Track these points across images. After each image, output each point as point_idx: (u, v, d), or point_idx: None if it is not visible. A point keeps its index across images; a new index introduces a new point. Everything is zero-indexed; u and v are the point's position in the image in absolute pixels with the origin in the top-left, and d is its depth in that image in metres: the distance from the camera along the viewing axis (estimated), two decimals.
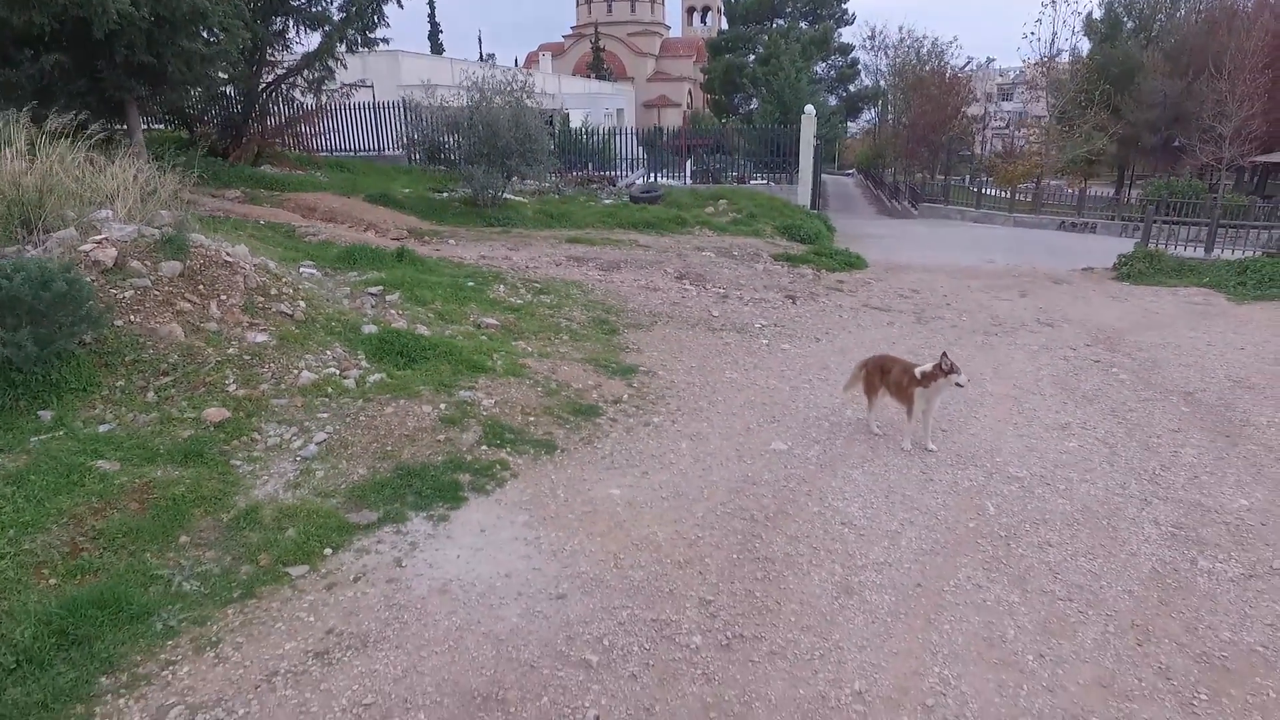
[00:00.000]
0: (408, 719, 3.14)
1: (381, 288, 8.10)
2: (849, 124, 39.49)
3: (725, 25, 39.76)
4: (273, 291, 6.59)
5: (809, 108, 18.56)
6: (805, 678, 3.43)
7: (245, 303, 6.29)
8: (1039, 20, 52.74)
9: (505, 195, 15.49)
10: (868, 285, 12.60)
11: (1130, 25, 32.18)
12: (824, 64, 36.05)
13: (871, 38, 34.58)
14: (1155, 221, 15.24)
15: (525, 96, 14.65)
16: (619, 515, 4.76)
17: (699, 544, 4.48)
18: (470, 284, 9.09)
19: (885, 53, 36.57)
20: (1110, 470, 5.64)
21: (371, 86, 20.13)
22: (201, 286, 6.12)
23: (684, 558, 4.33)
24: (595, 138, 21.84)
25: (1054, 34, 38.73)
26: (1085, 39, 32.07)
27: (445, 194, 15.57)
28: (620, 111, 39.17)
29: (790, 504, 4.99)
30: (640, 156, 22.22)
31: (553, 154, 16.90)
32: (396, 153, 20.40)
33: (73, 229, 6.05)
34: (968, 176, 26.16)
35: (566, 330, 8.07)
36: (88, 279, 5.37)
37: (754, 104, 31.21)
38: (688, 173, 21.08)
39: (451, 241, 12.35)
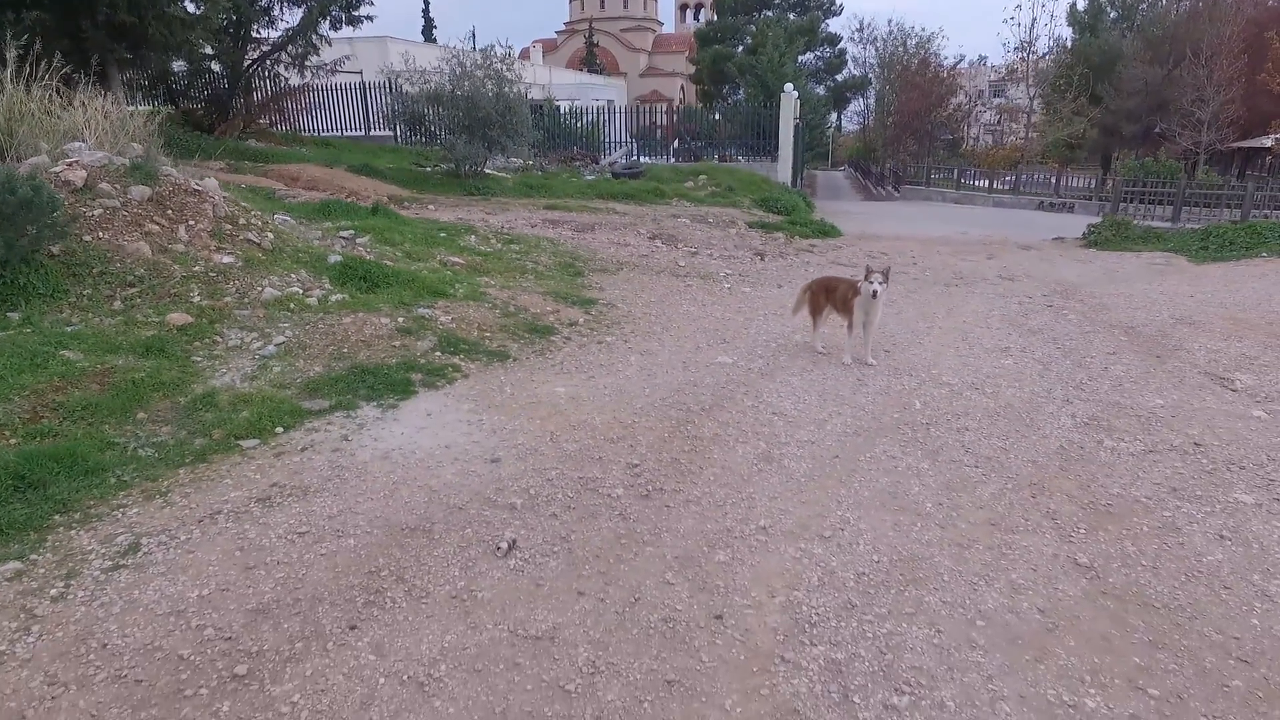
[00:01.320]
0: (338, 543, 3.37)
1: (353, 232, 8.35)
2: (837, 115, 39.83)
3: (716, 19, 40.05)
4: (241, 221, 6.82)
5: (788, 86, 18.84)
6: (714, 517, 3.68)
7: (214, 229, 6.53)
8: (1019, 6, 53.06)
9: (486, 170, 15.74)
10: (838, 249, 12.87)
11: (1113, 15, 32.50)
12: (812, 54, 36.28)
13: (860, 30, 34.95)
14: (1124, 192, 15.51)
15: (506, 70, 14.90)
16: (560, 406, 5.00)
17: (634, 426, 4.72)
18: (442, 234, 9.34)
19: (874, 45, 36.74)
20: (1039, 380, 5.89)
21: (357, 67, 20.37)
22: (170, 211, 6.35)
23: (617, 435, 4.57)
24: (582, 121, 22.12)
25: (1034, 19, 38.92)
26: (1068, 29, 32.37)
27: (429, 168, 15.83)
28: (611, 103, 39.40)
29: (727, 400, 5.24)
30: (626, 140, 22.47)
31: (538, 134, 17.12)
32: (384, 133, 20.63)
33: (44, 156, 6.28)
34: (955, 170, 26.47)
35: (532, 271, 8.32)
36: (59, 196, 5.60)
37: (741, 93, 31.34)
38: (671, 154, 21.37)
39: (431, 207, 12.59)
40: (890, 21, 62.18)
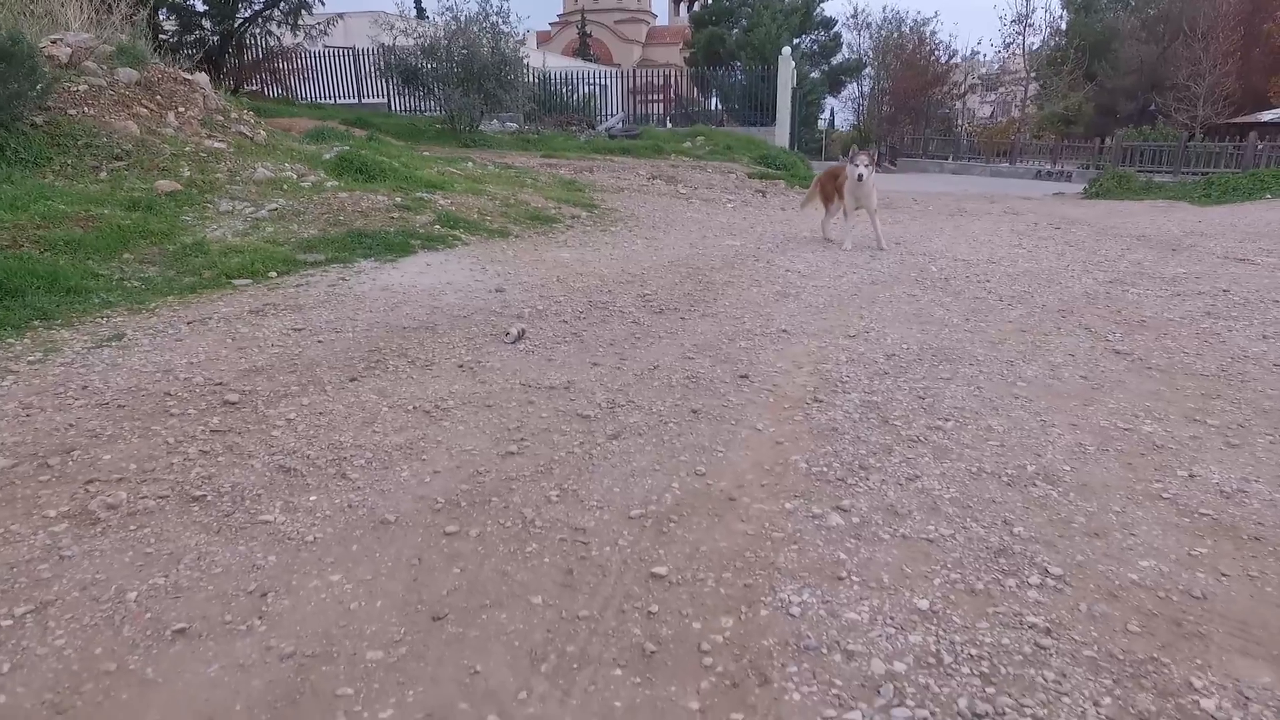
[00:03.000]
0: (335, 336, 3.17)
1: (349, 147, 8.14)
2: (831, 113, 39.76)
3: (711, 2, 39.92)
4: (233, 115, 6.62)
5: (785, 50, 18.71)
6: (732, 325, 3.50)
7: (204, 118, 6.32)
8: None
9: (482, 128, 15.54)
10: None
11: None
12: (807, 37, 36.23)
13: (854, 16, 34.95)
14: (1125, 148, 15.41)
15: (501, 22, 14.70)
16: (566, 263, 4.82)
17: (643, 276, 4.54)
18: (439, 159, 9.15)
19: (869, 30, 36.74)
20: (1056, 260, 5.73)
21: (350, 41, 20.15)
22: (159, 97, 6.15)
23: (627, 280, 4.39)
24: (577, 94, 21.95)
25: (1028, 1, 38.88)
26: (1064, 11, 32.44)
27: (424, 127, 15.64)
28: (604, 89, 39.24)
29: (738, 263, 5.07)
30: (623, 106, 22.32)
31: (532, 106, 16.93)
32: (378, 100, 20.41)
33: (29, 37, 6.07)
34: (951, 143, 26.39)
35: (531, 185, 8.14)
36: (39, 60, 5.39)
37: (739, 72, 31.13)
38: (668, 120, 21.24)
39: (425, 153, 12.41)
40: (885, 8, 62.29)
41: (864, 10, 46.90)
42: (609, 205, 7.51)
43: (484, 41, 14.81)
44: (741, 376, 2.74)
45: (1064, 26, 30.06)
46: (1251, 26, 25.45)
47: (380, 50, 20.19)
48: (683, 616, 1.41)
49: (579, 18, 53.79)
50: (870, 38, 35.21)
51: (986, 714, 1.18)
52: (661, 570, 1.55)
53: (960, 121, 31.01)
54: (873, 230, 6.02)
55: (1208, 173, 14.35)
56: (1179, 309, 3.96)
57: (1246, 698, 1.23)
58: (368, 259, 4.68)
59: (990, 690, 1.23)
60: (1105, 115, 30.79)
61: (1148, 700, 1.22)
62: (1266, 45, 25.24)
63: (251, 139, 6.50)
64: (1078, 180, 20.98)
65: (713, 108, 22.58)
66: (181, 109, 6.21)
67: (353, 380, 2.61)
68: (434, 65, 15.30)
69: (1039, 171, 21.30)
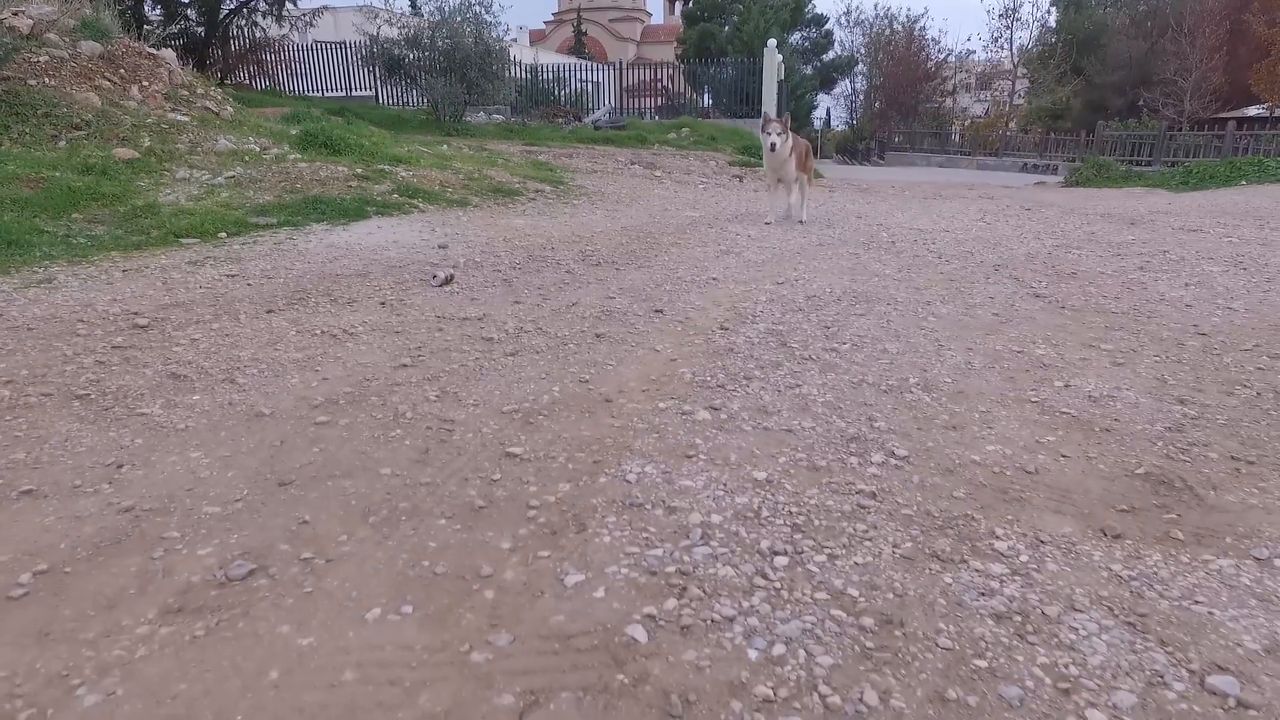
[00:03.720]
0: (265, 281, 3.21)
1: (319, 125, 8.18)
2: (826, 112, 39.80)
3: None
4: (199, 90, 6.66)
5: (771, 41, 18.73)
6: (663, 273, 3.54)
7: (169, 93, 6.36)
8: None
9: (466, 118, 15.58)
10: (819, 183, 12.78)
11: None
12: (799, 34, 36.31)
13: (847, 14, 35.01)
14: (1107, 137, 15.46)
15: (484, 12, 14.74)
16: (517, 228, 4.86)
17: (591, 238, 4.58)
18: (415, 142, 9.19)
19: (861, 28, 36.83)
20: (1012, 231, 5.78)
21: (340, 36, 20.18)
22: (123, 70, 6.18)
23: (574, 240, 4.44)
24: (568, 89, 21.98)
25: None
26: (1052, 7, 32.53)
27: (409, 117, 15.67)
28: (598, 84, 39.36)
29: (690, 229, 5.12)
30: (611, 99, 22.37)
31: (519, 96, 16.96)
32: (365, 93, 20.44)
33: None
34: (939, 136, 26.43)
35: (503, 165, 8.18)
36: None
37: (728, 70, 31.01)
38: (654, 113, 21.31)
39: (402, 139, 12.46)
40: (876, 5, 62.30)
41: (856, 8, 46.98)
42: (578, 184, 7.56)
43: (467, 31, 14.84)
44: (656, 311, 2.79)
45: (1053, 23, 30.17)
46: (1237, 22, 25.54)
47: (366, 41, 20.21)
48: (522, 483, 1.45)
49: (574, 16, 53.92)
50: (863, 35, 35.34)
51: (785, 552, 1.23)
52: (517, 450, 1.59)
53: (950, 117, 31.12)
54: (793, 200, 5.82)
55: (1188, 162, 14.44)
56: (1113, 265, 4.01)
57: (1041, 541, 1.28)
58: (320, 223, 4.72)
59: (797, 537, 1.28)
60: (1094, 110, 30.84)
61: (945, 544, 1.27)
62: (1251, 40, 25.37)
63: (218, 114, 6.53)
64: (1064, 173, 21.07)
65: (704, 103, 22.69)
66: (145, 83, 6.25)
67: (269, 312, 2.65)
68: (418, 55, 15.34)
69: (1025, 165, 21.38)
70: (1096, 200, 10.25)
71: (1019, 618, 1.06)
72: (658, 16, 66.10)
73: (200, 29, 16.18)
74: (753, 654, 0.97)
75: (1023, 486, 1.48)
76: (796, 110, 30.07)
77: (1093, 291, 3.32)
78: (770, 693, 0.91)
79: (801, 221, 5.63)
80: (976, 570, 1.18)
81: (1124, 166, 14.30)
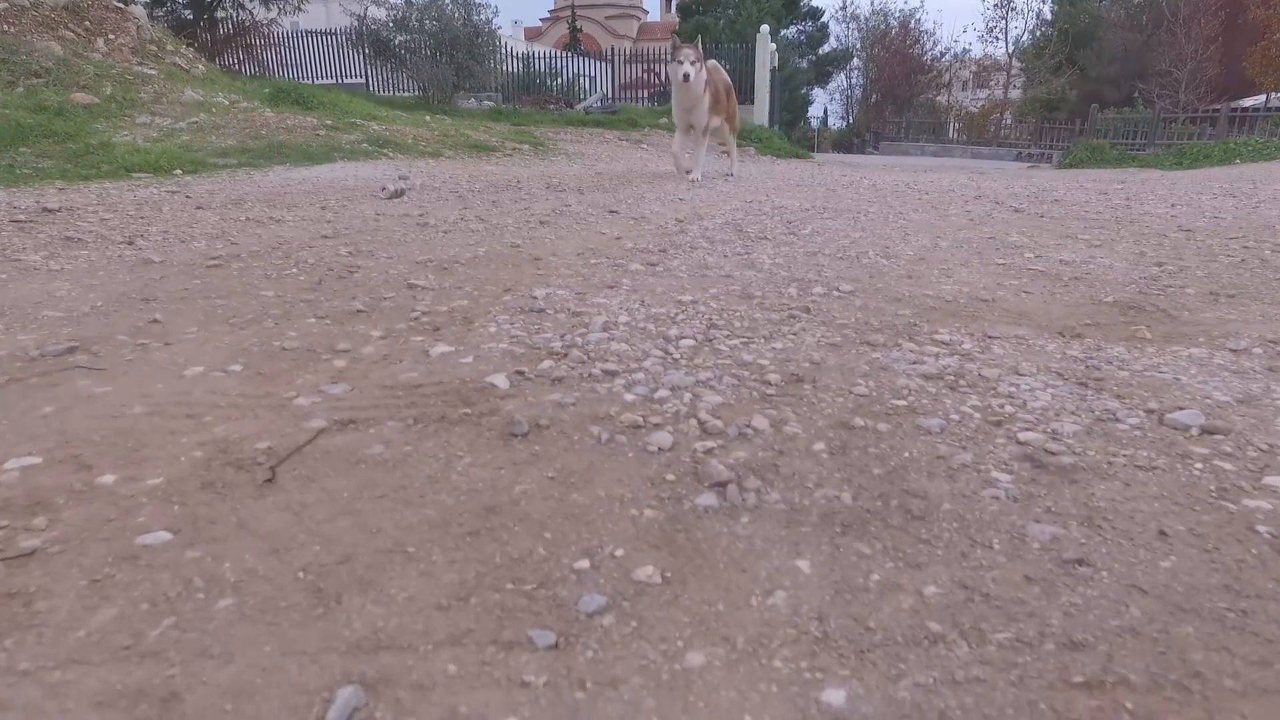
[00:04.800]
0: (205, 197, 3.06)
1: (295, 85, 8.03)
2: (824, 110, 39.74)
3: None
4: (169, 47, 6.50)
5: (763, 28, 18.60)
6: (628, 194, 3.39)
7: (136, 47, 6.20)
8: None
9: (457, 103, 15.43)
10: (809, 161, 12.67)
11: None
12: (794, 27, 36.25)
13: (843, 8, 34.91)
14: (1100, 120, 15.34)
15: None
16: (486, 171, 4.71)
17: (562, 176, 4.44)
18: (400, 112, 9.03)
19: (856, 23, 36.76)
20: (1001, 186, 5.65)
21: (331, 26, 20.03)
22: (88, 22, 6.03)
23: (542, 177, 4.29)
24: (562, 78, 21.84)
25: None
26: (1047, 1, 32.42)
27: (397, 100, 15.54)
28: (593, 79, 39.31)
29: (666, 177, 4.97)
30: (604, 86, 22.25)
31: (509, 79, 16.82)
32: (356, 80, 20.29)
33: None
34: (932, 127, 26.32)
35: (484, 131, 8.03)
36: None
37: (722, 60, 30.50)
38: (645, 100, 21.18)
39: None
40: (872, 1, 62.24)
41: (852, 2, 46.88)
42: (559, 147, 7.42)
43: (456, 14, 14.69)
44: (611, 211, 2.64)
45: (1049, 16, 30.07)
46: (1233, 13, 25.47)
47: (354, 24, 19.97)
48: (415, 300, 1.30)
49: (569, 12, 53.84)
50: (858, 29, 35.25)
51: (694, 338, 1.08)
52: (420, 283, 1.44)
53: (945, 111, 31.02)
54: (701, 151, 4.72)
55: (1182, 144, 14.31)
56: (1099, 198, 3.87)
57: (991, 337, 1.12)
58: (282, 165, 4.57)
59: (712, 330, 1.13)
60: (1089, 102, 30.69)
61: (880, 337, 1.11)
62: (1246, 31, 25.29)
63: (187, 71, 6.38)
64: (1058, 161, 20.95)
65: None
66: (112, 36, 6.09)
67: (198, 209, 2.50)
68: (406, 37, 15.18)
69: (1020, 154, 21.26)
70: (1087, 177, 10.13)
71: (952, 377, 0.91)
72: (654, 14, 66.10)
73: (188, 11, 16.02)
74: (630, 397, 0.82)
75: (977, 310, 1.33)
76: (791, 103, 29.99)
77: (1075, 210, 3.17)
78: (639, 420, 0.76)
79: (729, 175, 4.77)
80: (911, 350, 1.03)
81: (1117, 151, 14.17)
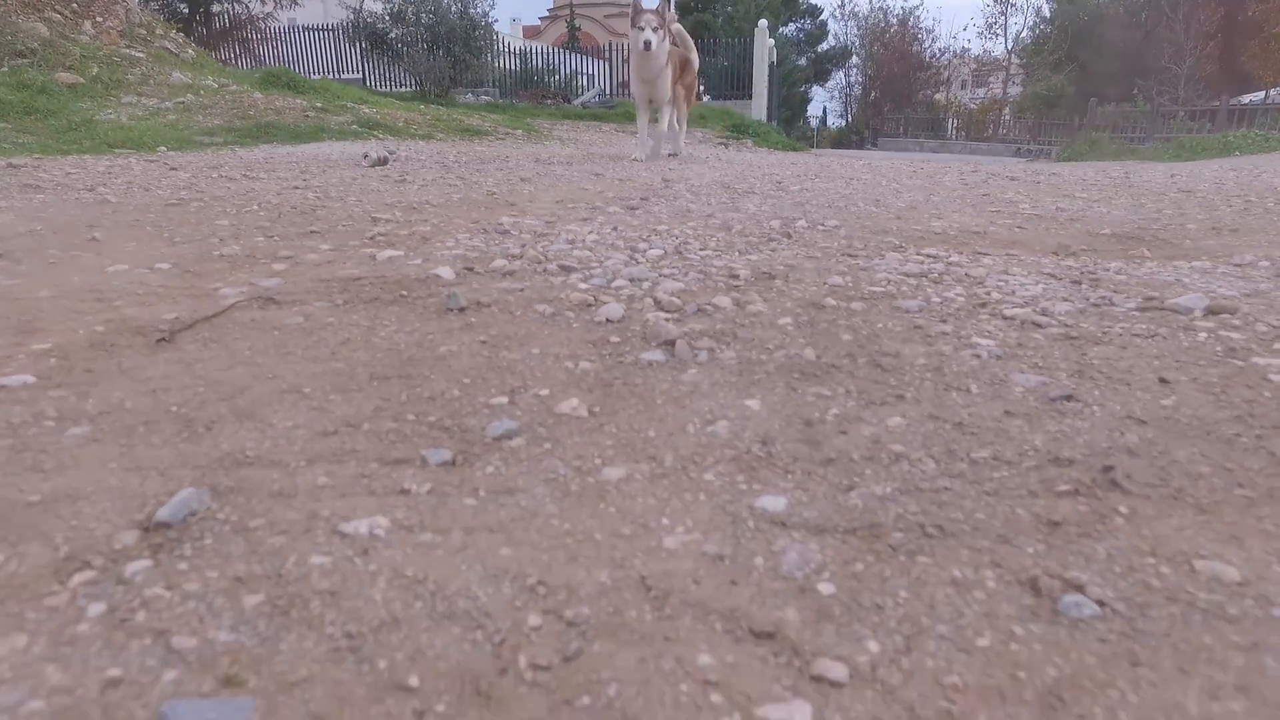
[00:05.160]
0: (183, 166, 2.99)
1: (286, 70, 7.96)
2: (823, 109, 39.72)
3: None
4: (159, 31, 6.44)
5: (761, 22, 18.54)
6: (619, 170, 3.33)
7: (124, 29, 6.13)
8: None
9: (453, 96, 15.37)
10: (807, 153, 12.61)
11: None
12: (793, 24, 36.19)
13: (842, 6, 34.87)
14: (1099, 113, 15.32)
15: None
16: (477, 151, 4.65)
17: (552, 156, 4.37)
18: (394, 101, 8.97)
19: (855, 20, 36.70)
20: (998, 169, 5.59)
21: (330, 24, 19.96)
22: (75, 4, 5.96)
23: (530, 155, 4.23)
24: (559, 75, 21.78)
25: None
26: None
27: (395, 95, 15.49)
28: (591, 77, 39.24)
29: (662, 156, 4.91)
30: (601, 81, 22.19)
31: (506, 73, 16.76)
32: (353, 76, 20.23)
33: None
34: (930, 124, 26.30)
35: (477, 119, 7.96)
36: None
37: (720, 58, 30.76)
38: None
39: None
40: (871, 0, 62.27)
41: (851, 0, 46.78)
42: (553, 134, 7.35)
43: (452, 7, 14.64)
44: (596, 174, 2.58)
45: (1048, 14, 30.02)
46: (1232, 8, 25.43)
47: (350, 16, 19.89)
48: (374, 226, 1.23)
49: (567, 11, 53.84)
50: (857, 27, 35.20)
51: (663, 249, 1.01)
52: (384, 216, 1.37)
53: (944, 109, 30.98)
54: (662, 127, 4.41)
55: (1181, 137, 14.25)
56: (1096, 174, 3.82)
57: (981, 254, 1.06)
58: (269, 144, 4.50)
59: (685, 245, 1.06)
60: (1088, 99, 30.66)
61: (862, 249, 1.05)
62: (1245, 27, 25.25)
63: (177, 55, 6.31)
64: (1057, 156, 20.88)
65: (699, 93, 22.54)
66: (100, 19, 6.02)
67: (172, 170, 2.44)
68: (402, 30, 15.12)
69: (1019, 149, 21.21)
70: (1086, 169, 10.07)
71: (936, 275, 0.84)
72: None
73: (184, 5, 15.96)
74: (584, 286, 0.76)
75: (968, 239, 1.26)
76: (789, 100, 29.94)
77: (1072, 180, 3.11)
78: (590, 300, 0.69)
79: (673, 155, 4.43)
80: (895, 259, 0.97)
81: (1116, 145, 14.12)
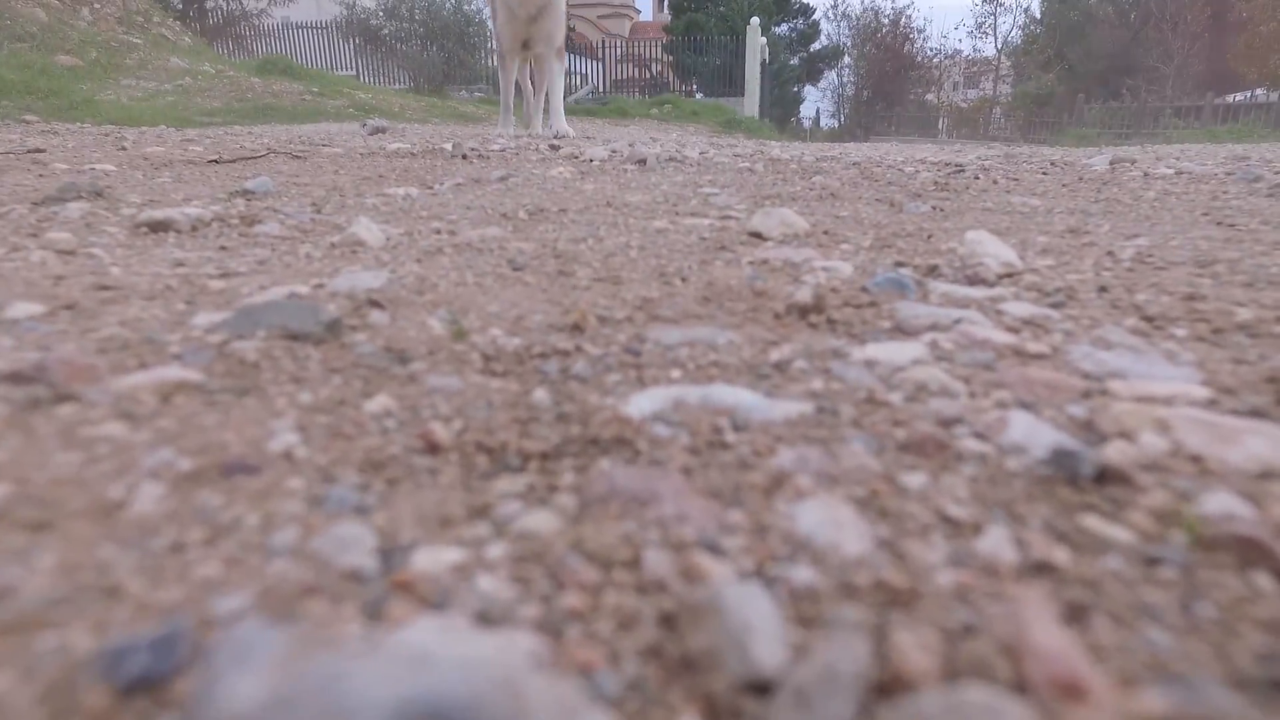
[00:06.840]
0: (176, 136, 3.05)
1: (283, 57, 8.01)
2: (816, 110, 39.92)
3: None
4: (156, 19, 6.48)
5: (754, 20, 18.67)
6: (602, 139, 3.41)
7: (122, 16, 6.17)
8: None
9: (447, 92, 15.42)
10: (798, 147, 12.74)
11: None
12: (785, 24, 36.32)
13: (834, 6, 35.02)
14: (1089, 109, 15.46)
15: None
16: (473, 131, 4.71)
17: (541, 141, 4.43)
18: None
19: (847, 21, 36.85)
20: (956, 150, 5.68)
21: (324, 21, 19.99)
22: None
23: (520, 144, 4.29)
24: None
25: None
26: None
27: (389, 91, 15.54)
28: (584, 75, 39.42)
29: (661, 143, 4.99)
30: (596, 79, 22.31)
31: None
32: (348, 72, 20.24)
33: None
34: (922, 120, 26.47)
35: (472, 109, 8.03)
36: None
37: (713, 57, 30.79)
38: (636, 91, 21.24)
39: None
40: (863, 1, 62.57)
41: (844, 0, 46.94)
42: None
43: (446, 2, 14.70)
44: (587, 136, 2.64)
45: (1039, 14, 30.24)
46: (1219, 8, 25.67)
47: (344, 12, 19.94)
48: (356, 148, 1.30)
49: None
50: (849, 27, 35.35)
51: (634, 182, 1.08)
52: (365, 146, 1.44)
53: (935, 108, 31.16)
54: (556, 92, 3.48)
55: (1168, 132, 14.43)
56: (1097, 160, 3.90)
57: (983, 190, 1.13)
58: (268, 124, 4.55)
59: (661, 163, 1.13)
60: (1078, 97, 30.89)
61: (838, 162, 1.12)
62: (1233, 25, 25.49)
63: (174, 42, 6.36)
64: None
65: (689, 88, 22.61)
66: (98, 5, 6.06)
67: (186, 141, 2.49)
68: (396, 26, 15.18)
69: (1010, 145, 21.39)
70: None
71: (919, 159, 0.92)
72: (646, 13, 66.26)
73: (178, 1, 15.96)
74: (567, 152, 0.83)
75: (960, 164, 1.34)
76: (782, 99, 30.06)
77: (1075, 167, 3.20)
78: (575, 154, 0.76)
79: (559, 136, 3.29)
80: (874, 160, 1.04)
81: (1104, 141, 14.27)
